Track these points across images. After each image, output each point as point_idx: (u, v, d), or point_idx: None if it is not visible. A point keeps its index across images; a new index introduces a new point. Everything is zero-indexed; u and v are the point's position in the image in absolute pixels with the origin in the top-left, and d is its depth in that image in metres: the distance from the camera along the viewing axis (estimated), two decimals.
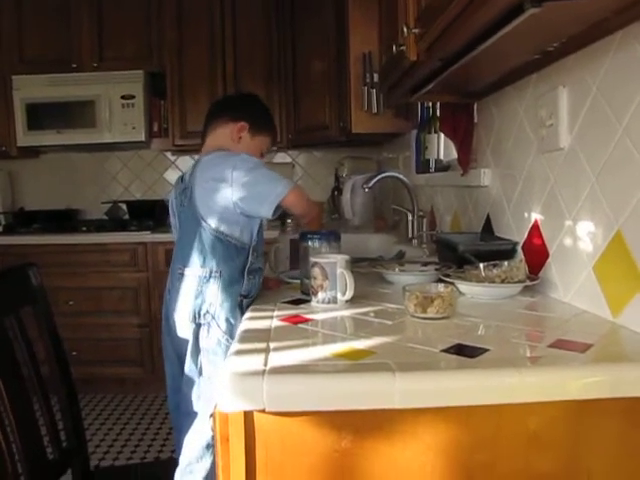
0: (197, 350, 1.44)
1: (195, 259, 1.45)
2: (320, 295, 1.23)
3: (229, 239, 1.44)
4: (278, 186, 1.43)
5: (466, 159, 1.78)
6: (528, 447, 0.82)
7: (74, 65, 3.51)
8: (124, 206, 3.82)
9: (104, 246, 3.36)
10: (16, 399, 1.20)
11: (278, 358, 0.86)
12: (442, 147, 2.29)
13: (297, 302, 1.29)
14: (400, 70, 1.43)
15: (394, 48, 1.33)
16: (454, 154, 1.93)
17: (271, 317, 1.14)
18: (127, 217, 3.77)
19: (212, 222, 1.43)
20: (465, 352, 0.88)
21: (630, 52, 0.99)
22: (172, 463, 1.49)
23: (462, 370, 0.80)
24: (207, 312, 1.43)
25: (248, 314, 1.18)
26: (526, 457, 0.83)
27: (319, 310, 1.21)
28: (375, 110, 2.61)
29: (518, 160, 1.47)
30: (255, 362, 0.83)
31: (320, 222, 1.70)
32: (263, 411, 0.78)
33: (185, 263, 1.47)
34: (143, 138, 3.53)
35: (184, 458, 1.43)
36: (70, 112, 3.51)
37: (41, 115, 3.52)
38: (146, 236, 3.35)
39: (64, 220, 3.69)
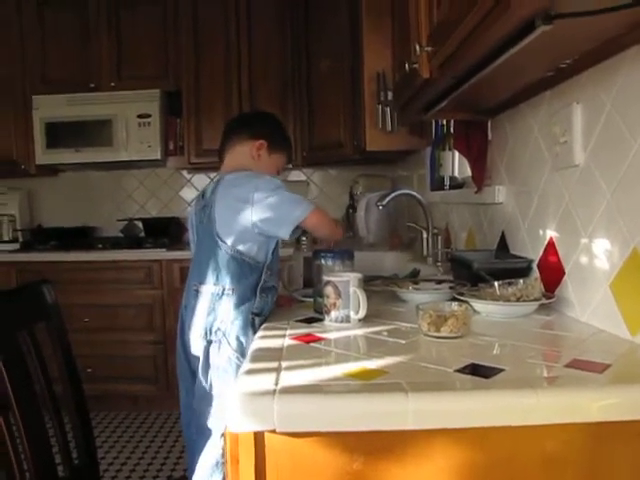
0: (207, 367, 1.44)
1: (209, 276, 1.46)
2: (333, 314, 1.23)
3: (244, 257, 1.45)
4: (298, 209, 1.46)
5: (480, 176, 1.77)
6: (544, 470, 0.80)
7: (92, 85, 3.56)
8: (140, 224, 3.85)
9: (119, 263, 3.37)
10: (28, 415, 1.20)
11: (289, 378, 0.85)
12: (457, 164, 2.29)
13: (310, 320, 1.28)
14: (413, 88, 1.43)
15: (407, 66, 1.33)
16: (468, 171, 1.92)
17: (283, 336, 1.13)
18: (143, 234, 3.80)
19: (229, 240, 1.44)
20: (480, 372, 0.86)
21: None
22: None
23: (476, 391, 0.79)
24: (218, 329, 1.43)
25: (260, 332, 1.18)
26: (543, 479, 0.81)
27: (332, 329, 1.20)
28: (389, 128, 2.61)
29: (533, 177, 1.46)
30: (266, 382, 0.82)
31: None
32: (274, 431, 0.77)
33: (201, 280, 1.48)
34: (159, 156, 3.56)
35: (196, 477, 1.43)
36: (88, 131, 3.56)
37: (60, 134, 3.57)
38: (161, 253, 3.36)
39: (80, 237, 3.72)
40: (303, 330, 1.18)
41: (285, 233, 1.45)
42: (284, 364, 0.92)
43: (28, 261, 3.42)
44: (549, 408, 0.78)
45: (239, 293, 1.44)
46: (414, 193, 2.26)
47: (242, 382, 0.84)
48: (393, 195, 2.14)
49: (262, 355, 0.99)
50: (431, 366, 0.90)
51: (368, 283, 1.70)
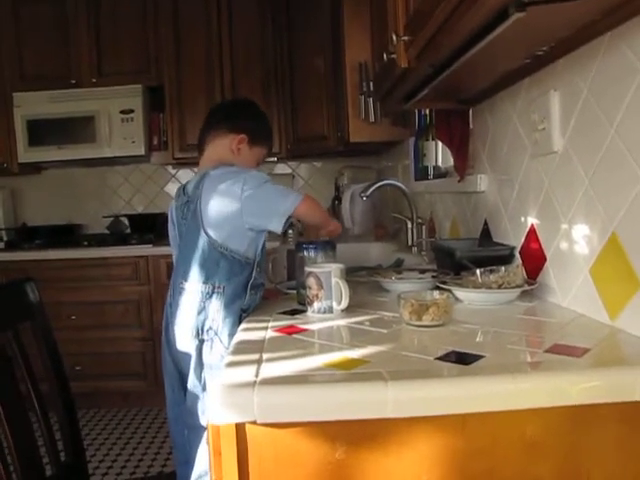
0: (200, 366, 1.43)
1: (197, 274, 1.44)
2: (316, 305, 1.23)
3: (234, 255, 1.43)
4: (287, 200, 1.45)
5: (462, 165, 1.78)
6: (526, 454, 0.81)
7: (73, 81, 3.53)
8: (125, 220, 3.83)
9: (106, 260, 3.36)
10: (14, 415, 1.19)
11: (270, 369, 0.85)
12: (440, 154, 2.29)
13: (293, 312, 1.28)
14: (392, 78, 1.43)
15: (385, 56, 1.33)
16: (452, 161, 1.93)
17: (266, 328, 1.13)
18: (129, 231, 3.78)
19: (218, 238, 1.42)
20: (460, 359, 0.87)
21: (619, 53, 0.99)
22: (175, 477, 1.49)
23: (456, 378, 0.79)
24: (210, 328, 1.42)
25: (243, 325, 1.18)
26: (524, 464, 0.82)
27: (315, 320, 1.20)
28: (372, 119, 2.61)
29: (513, 165, 1.46)
30: (246, 374, 0.82)
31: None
32: (255, 423, 0.77)
33: (186, 277, 1.46)
34: (143, 152, 3.55)
35: (195, 471, 1.42)
36: (70, 128, 3.53)
37: (42, 131, 3.54)
38: (147, 249, 3.35)
39: (66, 235, 3.69)
40: (286, 322, 1.18)
41: (277, 226, 1.43)
42: (265, 356, 0.92)
43: (13, 260, 3.39)
44: (529, 393, 0.78)
45: (230, 291, 1.42)
46: (397, 183, 2.27)
47: (223, 374, 0.84)
48: (376, 186, 2.14)
49: (244, 348, 0.99)
50: (412, 355, 0.90)
51: (352, 274, 1.71)
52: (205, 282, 1.43)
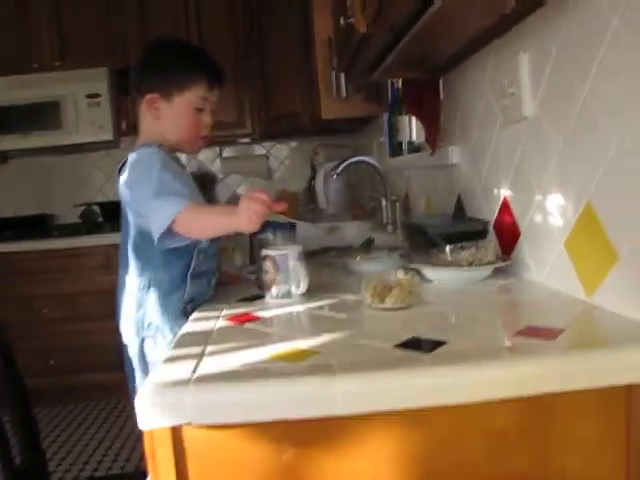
0: (145, 364, 1.31)
1: (133, 265, 1.30)
2: (274, 290, 1.14)
3: None
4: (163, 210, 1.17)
5: (434, 138, 1.69)
6: (496, 448, 0.74)
7: (35, 65, 3.37)
8: (97, 208, 3.70)
9: (77, 250, 3.25)
10: None
11: (210, 364, 0.77)
12: (414, 129, 2.20)
13: (252, 299, 1.20)
14: (353, 45, 1.34)
15: (342, 21, 1.24)
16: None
17: (217, 317, 1.04)
18: (101, 219, 3.66)
19: (143, 223, 1.23)
20: (421, 346, 0.79)
21: (589, 7, 0.90)
22: None
23: (412, 368, 0.71)
24: (150, 324, 1.29)
25: (194, 315, 1.09)
26: (494, 458, 0.74)
27: (273, 306, 1.11)
28: (344, 94, 2.51)
29: (485, 135, 1.38)
30: (183, 370, 0.74)
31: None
32: (190, 424, 0.69)
33: (126, 270, 1.33)
34: (111, 137, 3.41)
35: None
36: (34, 114, 3.38)
37: (4, 119, 3.38)
38: (118, 237, 3.23)
39: (37, 226, 3.57)
40: (241, 309, 1.10)
41: (154, 235, 1.16)
42: (209, 349, 0.83)
43: None
44: (495, 382, 0.70)
45: (167, 282, 1.27)
46: (368, 159, 2.18)
47: (157, 372, 0.75)
48: (346, 163, 2.05)
49: (187, 340, 0.90)
50: (369, 342, 0.82)
51: (322, 255, 1.63)
52: (141, 274, 1.28)
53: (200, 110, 1.32)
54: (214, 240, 1.29)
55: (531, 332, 0.82)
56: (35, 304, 3.24)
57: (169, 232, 1.13)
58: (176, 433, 0.70)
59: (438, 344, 0.78)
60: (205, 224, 1.16)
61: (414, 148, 2.15)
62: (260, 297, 1.19)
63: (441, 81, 1.68)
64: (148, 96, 1.29)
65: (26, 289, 3.28)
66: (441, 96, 1.69)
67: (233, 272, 1.49)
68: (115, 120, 3.45)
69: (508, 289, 1.15)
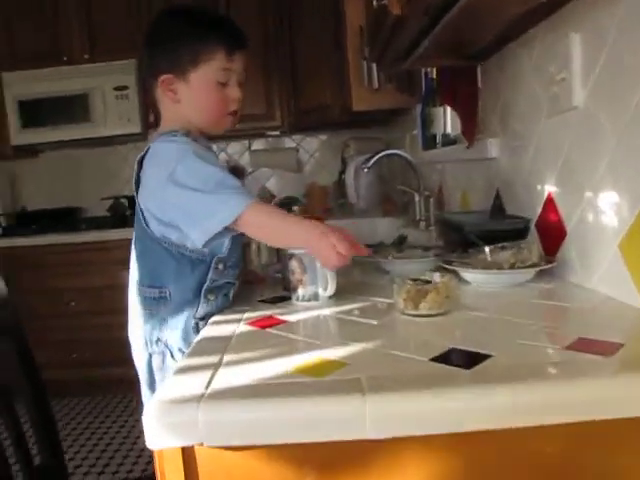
0: (152, 382, 1.20)
1: (144, 275, 1.16)
2: (300, 291, 1.07)
3: (182, 251, 1.10)
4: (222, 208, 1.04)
5: (471, 130, 1.59)
6: (542, 479, 0.65)
7: (65, 58, 3.36)
8: (126, 201, 3.68)
9: (105, 244, 3.22)
10: None
11: (227, 377, 0.69)
12: (449, 120, 2.10)
13: (277, 300, 1.12)
14: (386, 30, 1.25)
15: (375, 2, 1.15)
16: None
17: (239, 321, 0.97)
18: (129, 213, 3.64)
19: (157, 229, 1.11)
20: (459, 361, 0.70)
21: None
22: None
23: (451, 387, 0.62)
24: (159, 340, 1.16)
25: (214, 318, 1.02)
26: None
27: (298, 309, 1.04)
28: (376, 85, 2.43)
29: (528, 126, 1.28)
30: (195, 384, 0.67)
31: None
32: (202, 445, 0.62)
33: (136, 279, 1.19)
34: (139, 130, 3.38)
35: None
36: (64, 107, 3.37)
37: (34, 112, 3.38)
38: None
39: (65, 219, 3.57)
40: (265, 312, 1.02)
41: (198, 239, 1.03)
42: (227, 358, 0.76)
43: (10, 246, 3.27)
44: (543, 406, 0.61)
45: (177, 297, 1.12)
46: (401, 152, 2.09)
47: (169, 385, 0.68)
48: (378, 156, 1.96)
49: (204, 347, 0.83)
50: (402, 354, 0.74)
51: None
52: (151, 285, 1.14)
53: (224, 84, 1.15)
54: (236, 245, 1.15)
55: (584, 346, 0.73)
56: (63, 297, 3.24)
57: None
58: (187, 454, 0.63)
59: (479, 358, 0.70)
60: (278, 232, 1.03)
61: (449, 141, 2.06)
62: (286, 299, 1.12)
63: (479, 69, 1.58)
64: (161, 78, 1.13)
65: (54, 282, 3.27)
66: (479, 85, 1.59)
67: (260, 271, 1.41)
68: (143, 113, 3.42)
69: (553, 294, 1.05)
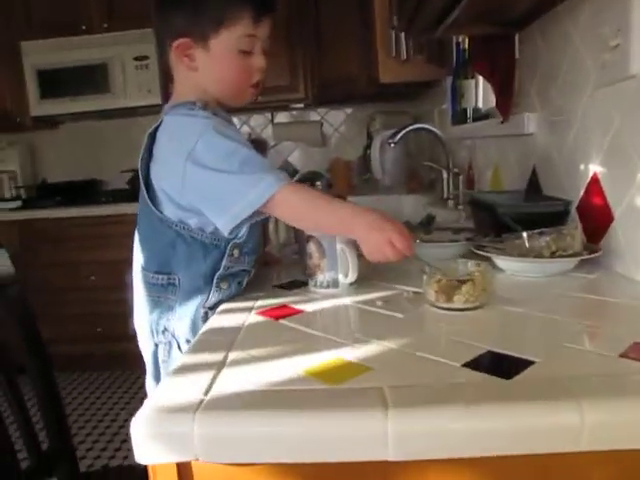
0: (158, 373, 1.11)
1: (150, 259, 1.06)
2: (318, 277, 0.98)
3: (194, 235, 1.01)
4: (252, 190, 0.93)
5: (507, 103, 1.48)
6: None
7: (84, 27, 3.28)
8: None
9: (122, 217, 3.17)
10: None
11: (230, 380, 0.61)
12: (480, 94, 2.00)
13: (292, 286, 1.04)
14: None
15: None
16: (494, 100, 1.62)
17: (250, 309, 0.89)
18: None
19: (168, 210, 1.01)
20: (497, 367, 0.61)
21: None
22: None
23: (488, 404, 0.53)
24: (165, 329, 1.06)
25: (223, 306, 0.94)
26: None
27: (317, 297, 0.95)
28: (404, 56, 2.30)
29: (572, 99, 1.16)
30: (193, 389, 0.58)
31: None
32: (198, 460, 0.54)
33: (141, 263, 1.08)
34: (160, 101, 3.29)
35: None
36: (83, 77, 3.30)
37: (53, 82, 3.32)
38: None
39: (85, 192, 3.53)
40: (279, 300, 0.94)
41: (224, 227, 0.93)
42: (232, 356, 0.68)
43: (30, 219, 3.24)
44: (595, 428, 0.52)
45: (186, 284, 1.03)
46: (429, 127, 1.97)
47: (163, 389, 0.60)
48: (405, 131, 1.85)
49: (209, 342, 0.74)
50: (431, 357, 0.64)
51: None
52: (158, 271, 1.04)
53: (247, 53, 1.02)
54: (254, 230, 1.04)
55: None
56: (82, 270, 3.22)
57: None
58: (183, 470, 0.56)
59: (521, 365, 0.61)
60: (319, 217, 0.92)
61: (481, 115, 1.94)
62: (304, 284, 1.03)
63: (517, 37, 1.46)
64: (177, 42, 1.00)
65: (75, 255, 3.25)
66: (516, 55, 1.47)
67: (276, 252, 1.33)
68: (164, 83, 3.33)
69: (598, 286, 0.95)
